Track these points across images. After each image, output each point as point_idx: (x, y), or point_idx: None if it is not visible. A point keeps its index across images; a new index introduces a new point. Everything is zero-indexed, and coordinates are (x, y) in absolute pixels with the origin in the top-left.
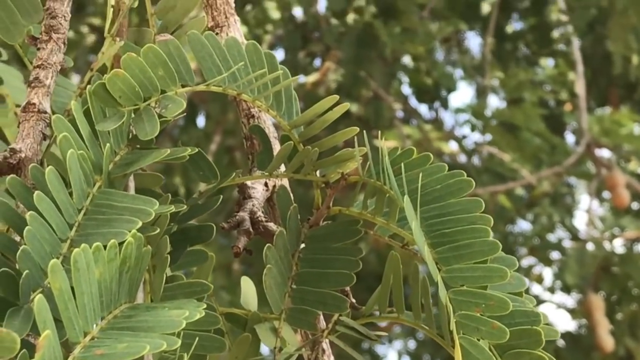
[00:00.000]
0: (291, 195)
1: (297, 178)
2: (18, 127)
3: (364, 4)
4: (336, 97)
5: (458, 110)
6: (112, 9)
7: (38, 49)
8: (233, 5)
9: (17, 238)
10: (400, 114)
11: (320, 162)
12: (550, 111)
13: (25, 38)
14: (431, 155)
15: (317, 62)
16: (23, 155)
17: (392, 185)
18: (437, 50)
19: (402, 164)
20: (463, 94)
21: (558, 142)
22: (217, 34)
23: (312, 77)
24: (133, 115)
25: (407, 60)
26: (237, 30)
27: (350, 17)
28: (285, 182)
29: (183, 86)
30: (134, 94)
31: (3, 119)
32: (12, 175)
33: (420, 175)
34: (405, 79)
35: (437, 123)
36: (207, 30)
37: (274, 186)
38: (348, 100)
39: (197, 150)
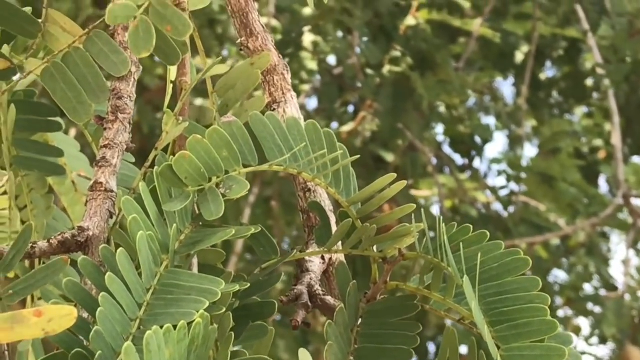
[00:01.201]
0: (349, 272)
1: (355, 254)
2: (86, 205)
3: (400, 55)
4: (394, 175)
5: (494, 161)
6: (171, 85)
7: (105, 129)
8: (290, 81)
9: (85, 314)
10: (434, 160)
11: (377, 237)
12: (585, 159)
13: (92, 118)
14: (488, 233)
15: (350, 108)
16: (91, 233)
17: (451, 263)
18: (471, 96)
19: (460, 242)
20: (496, 141)
21: (594, 193)
22: (274, 109)
23: (347, 127)
24: (198, 195)
25: (441, 108)
26: (293, 105)
27: (386, 68)
28: (342, 255)
29: (246, 166)
30: (199, 174)
31: (60, 186)
32: (83, 257)
33: (480, 254)
34: (440, 127)
35: (471, 171)
36: (265, 106)
37: (330, 259)
38: (384, 150)
39: (260, 228)
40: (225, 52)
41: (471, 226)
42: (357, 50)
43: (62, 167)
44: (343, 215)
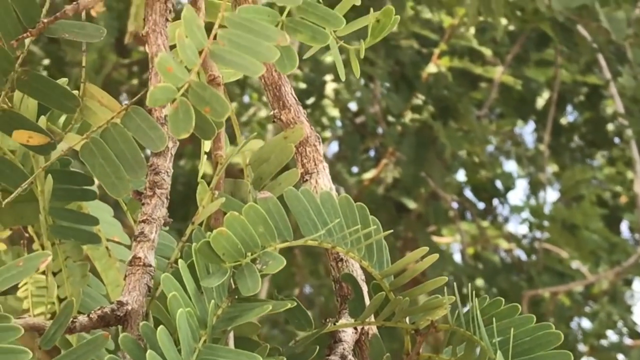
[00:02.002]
0: (383, 344)
1: (388, 325)
2: (124, 279)
3: (422, 103)
4: (426, 248)
5: (516, 209)
6: (205, 156)
7: (143, 203)
8: (321, 152)
9: None
10: (455, 205)
11: (410, 309)
12: (608, 207)
13: (129, 193)
14: (519, 307)
15: (371, 153)
16: (130, 307)
17: (483, 336)
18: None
19: (493, 315)
20: (518, 185)
21: (617, 241)
22: (306, 180)
23: (369, 174)
24: (234, 271)
25: (462, 153)
26: (325, 176)
27: (408, 115)
28: (374, 327)
29: (282, 242)
30: (236, 251)
31: (94, 251)
32: (124, 334)
33: (512, 328)
34: (461, 171)
35: (493, 217)
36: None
37: (362, 328)
38: (405, 197)
39: (295, 303)
40: (246, 98)
41: (503, 300)
42: (379, 96)
43: (97, 236)
44: (376, 287)
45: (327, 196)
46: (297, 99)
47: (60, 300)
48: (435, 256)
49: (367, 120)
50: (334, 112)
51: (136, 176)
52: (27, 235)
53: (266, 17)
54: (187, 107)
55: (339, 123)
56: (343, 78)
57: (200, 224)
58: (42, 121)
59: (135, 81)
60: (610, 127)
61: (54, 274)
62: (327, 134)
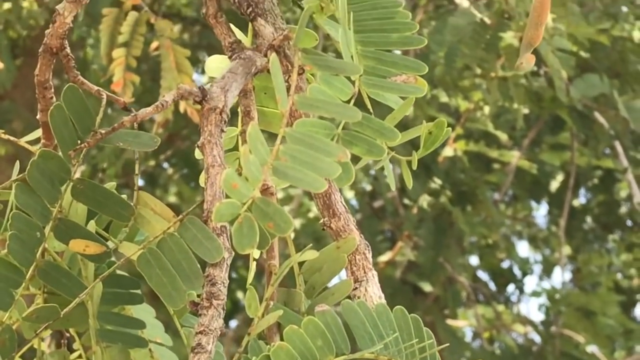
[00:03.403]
0: None
1: None
2: None
3: (439, 187)
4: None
5: (534, 294)
6: (254, 262)
7: (199, 315)
8: (370, 260)
9: None
10: (469, 286)
11: None
12: (625, 294)
13: (186, 303)
14: None
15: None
16: None
17: None
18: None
19: None
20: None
21: (634, 327)
22: (356, 288)
23: (385, 257)
24: None
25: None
26: (375, 284)
27: (425, 198)
28: None
29: (338, 355)
30: None
31: (137, 352)
32: None
33: None
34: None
35: (508, 301)
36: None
37: None
38: (422, 280)
39: None
40: None
41: None
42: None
43: (144, 340)
44: None
45: (382, 309)
46: (346, 207)
47: None
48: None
49: (385, 204)
50: (349, 195)
51: (193, 287)
52: (67, 334)
53: (323, 130)
54: (251, 222)
55: (354, 203)
56: (393, 188)
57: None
58: (92, 225)
59: (152, 162)
60: (623, 209)
61: None
62: None
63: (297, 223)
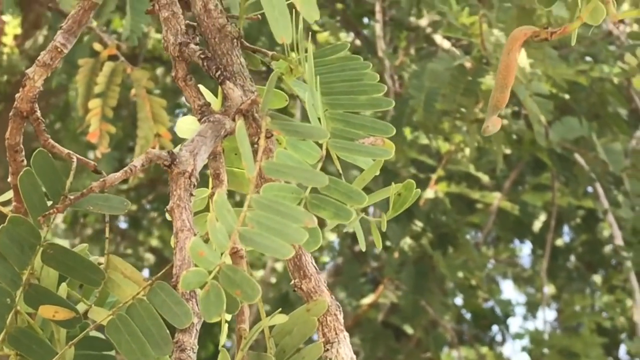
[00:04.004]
0: None
1: None
2: None
3: (420, 230)
4: None
5: (517, 336)
6: (225, 324)
7: None
8: (342, 321)
9: None
10: (451, 329)
11: None
12: (608, 335)
13: None
14: None
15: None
16: None
17: None
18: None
19: None
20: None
21: None
22: (327, 349)
23: (367, 299)
24: None
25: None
26: (346, 345)
27: (406, 241)
28: None
29: None
30: None
31: None
32: None
33: None
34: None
35: (490, 340)
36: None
37: None
38: (404, 323)
39: None
40: None
41: None
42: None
43: None
44: None
45: None
46: (317, 268)
47: None
48: None
49: (367, 248)
50: (331, 237)
51: (162, 353)
52: None
53: (290, 194)
54: (218, 290)
55: (336, 245)
56: (364, 248)
57: None
58: (63, 288)
59: (134, 206)
60: (607, 248)
61: None
62: (325, 258)
63: (279, 266)
